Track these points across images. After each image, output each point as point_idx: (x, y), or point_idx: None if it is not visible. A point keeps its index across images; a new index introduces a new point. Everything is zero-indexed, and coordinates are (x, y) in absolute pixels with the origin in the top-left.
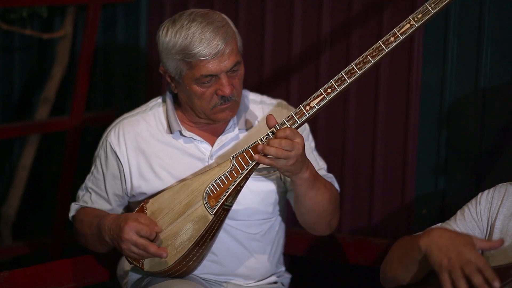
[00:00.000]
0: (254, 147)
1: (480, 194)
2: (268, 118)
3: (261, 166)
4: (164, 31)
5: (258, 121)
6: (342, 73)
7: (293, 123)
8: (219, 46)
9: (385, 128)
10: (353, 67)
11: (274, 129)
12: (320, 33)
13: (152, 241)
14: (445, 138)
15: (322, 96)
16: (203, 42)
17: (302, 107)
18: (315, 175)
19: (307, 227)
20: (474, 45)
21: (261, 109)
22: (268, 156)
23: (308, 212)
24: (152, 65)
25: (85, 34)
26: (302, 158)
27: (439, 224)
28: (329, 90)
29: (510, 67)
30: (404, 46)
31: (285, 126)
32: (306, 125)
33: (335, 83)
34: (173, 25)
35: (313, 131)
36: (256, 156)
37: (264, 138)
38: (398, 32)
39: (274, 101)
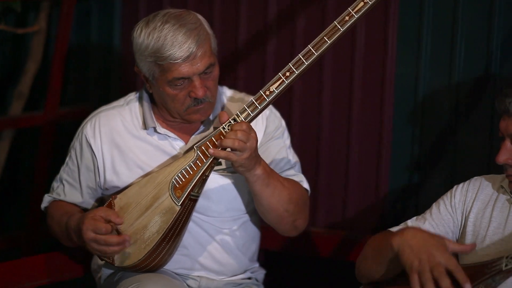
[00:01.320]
0: (217, 135)
1: (455, 187)
2: (220, 115)
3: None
4: (138, 31)
5: None
6: (300, 55)
7: (254, 109)
8: (191, 49)
9: (359, 124)
10: (310, 49)
11: (236, 117)
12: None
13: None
14: (419, 133)
15: (281, 80)
16: (174, 45)
17: (262, 92)
18: (269, 172)
19: (272, 226)
20: (448, 40)
21: (238, 106)
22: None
23: (267, 212)
24: (126, 60)
25: (59, 29)
26: (255, 154)
27: (414, 218)
28: (287, 74)
29: (483, 62)
30: (377, 41)
31: (246, 112)
32: (282, 122)
33: (293, 66)
34: (147, 26)
35: (287, 127)
36: (211, 150)
37: (227, 125)
38: (352, 11)
39: (250, 97)
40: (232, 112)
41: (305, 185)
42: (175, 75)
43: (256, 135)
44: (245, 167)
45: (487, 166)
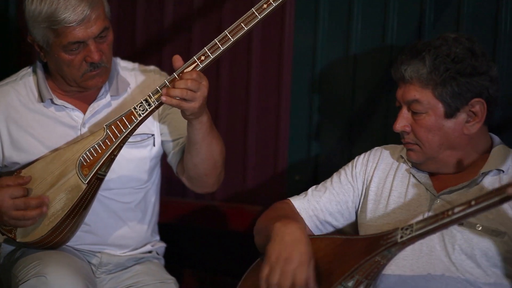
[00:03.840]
0: (128, 115)
1: (356, 157)
2: (175, 59)
3: (135, 133)
4: None
5: (130, 88)
6: (216, 40)
7: None
8: (85, 12)
9: (257, 96)
10: (226, 34)
11: (148, 98)
12: (192, 2)
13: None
14: (317, 103)
15: (196, 63)
16: (68, 8)
17: (175, 75)
18: (211, 121)
19: (198, 180)
20: (345, 11)
21: (134, 75)
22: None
23: (202, 162)
24: (22, 33)
25: None
26: (205, 101)
27: (314, 187)
28: (202, 58)
29: (380, 33)
30: (276, 13)
31: (159, 93)
32: None
33: (208, 50)
34: None
35: None
36: (163, 98)
37: (138, 106)
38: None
39: (147, 68)
40: (127, 80)
41: None
42: (70, 39)
43: (207, 83)
44: (195, 115)
45: (384, 136)
